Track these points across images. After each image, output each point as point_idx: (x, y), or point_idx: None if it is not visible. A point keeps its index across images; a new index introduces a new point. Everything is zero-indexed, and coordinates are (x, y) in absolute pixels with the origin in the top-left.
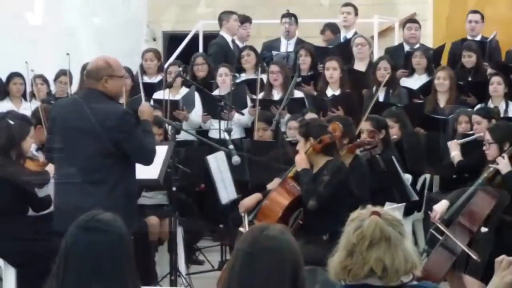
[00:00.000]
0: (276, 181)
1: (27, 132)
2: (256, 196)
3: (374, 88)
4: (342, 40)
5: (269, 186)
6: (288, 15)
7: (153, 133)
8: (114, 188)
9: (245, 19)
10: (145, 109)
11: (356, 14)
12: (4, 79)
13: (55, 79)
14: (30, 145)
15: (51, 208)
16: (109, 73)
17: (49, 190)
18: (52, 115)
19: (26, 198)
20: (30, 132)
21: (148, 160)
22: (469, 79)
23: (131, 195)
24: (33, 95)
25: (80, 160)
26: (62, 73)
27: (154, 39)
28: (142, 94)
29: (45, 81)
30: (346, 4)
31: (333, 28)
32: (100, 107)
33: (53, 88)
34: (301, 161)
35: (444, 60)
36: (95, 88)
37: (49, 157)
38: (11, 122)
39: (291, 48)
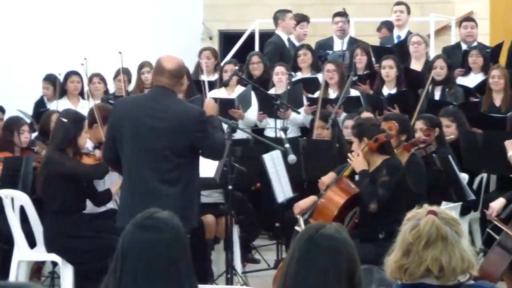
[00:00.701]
0: (330, 175)
1: (81, 128)
2: (312, 198)
3: (430, 87)
4: (395, 38)
5: (324, 178)
6: (342, 14)
7: (221, 128)
8: (186, 187)
9: (302, 18)
10: (211, 104)
11: (409, 12)
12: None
13: (114, 78)
14: (86, 140)
15: (108, 206)
16: (185, 72)
17: (106, 184)
18: (116, 114)
19: (86, 191)
20: (84, 127)
21: (219, 156)
22: None
23: (199, 194)
24: (90, 93)
25: (154, 159)
26: (121, 71)
27: (210, 38)
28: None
29: (102, 79)
30: (399, 3)
31: (389, 26)
32: (177, 106)
33: (110, 86)
34: (359, 162)
35: (502, 59)
36: (165, 86)
37: (108, 157)
38: (65, 121)
39: (344, 47)
